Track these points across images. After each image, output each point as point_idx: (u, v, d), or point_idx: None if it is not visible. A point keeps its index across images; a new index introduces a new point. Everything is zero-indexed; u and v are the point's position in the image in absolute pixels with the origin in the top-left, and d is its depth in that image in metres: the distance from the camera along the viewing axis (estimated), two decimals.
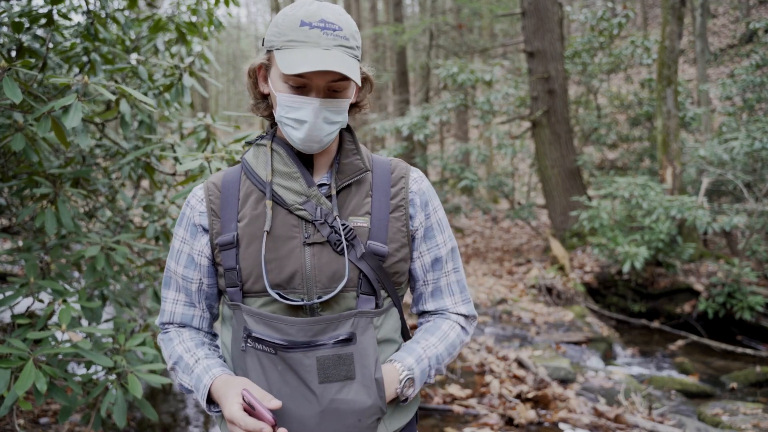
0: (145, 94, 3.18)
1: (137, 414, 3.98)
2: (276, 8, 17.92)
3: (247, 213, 1.25)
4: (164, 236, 3.36)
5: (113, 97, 2.13)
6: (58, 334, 2.43)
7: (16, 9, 2.89)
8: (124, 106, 2.70)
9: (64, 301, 2.44)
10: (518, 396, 4.32)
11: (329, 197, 1.24)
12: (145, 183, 6.08)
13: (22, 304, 2.84)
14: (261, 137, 1.32)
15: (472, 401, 4.25)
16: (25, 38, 2.79)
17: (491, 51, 15.22)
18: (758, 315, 6.21)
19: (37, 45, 2.82)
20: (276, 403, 1.13)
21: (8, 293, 2.51)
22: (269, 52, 1.21)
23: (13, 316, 2.60)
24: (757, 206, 6.58)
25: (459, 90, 9.98)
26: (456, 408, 4.11)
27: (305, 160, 1.27)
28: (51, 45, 3.02)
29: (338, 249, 1.20)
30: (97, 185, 3.28)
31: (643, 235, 6.78)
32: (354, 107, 1.31)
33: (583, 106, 11.31)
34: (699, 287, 6.71)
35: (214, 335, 1.43)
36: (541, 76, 8.96)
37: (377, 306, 1.25)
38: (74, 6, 3.10)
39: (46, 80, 2.49)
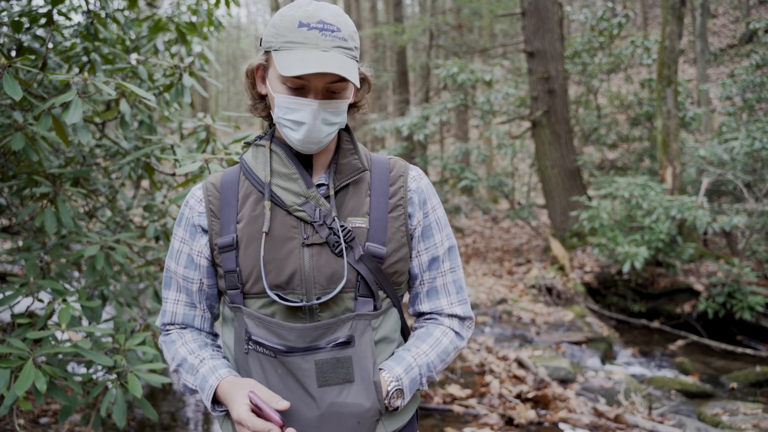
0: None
1: (137, 414, 3.98)
2: (276, 8, 17.91)
3: (246, 214, 1.24)
4: (164, 236, 3.36)
5: (114, 93, 2.12)
6: (58, 334, 2.43)
7: (16, 9, 2.89)
8: (124, 106, 2.70)
9: (64, 300, 2.44)
10: (518, 396, 4.32)
11: (327, 198, 1.24)
12: (145, 183, 6.08)
13: (22, 304, 2.84)
14: (260, 137, 1.32)
15: (472, 401, 4.25)
16: (24, 38, 2.79)
17: (491, 51, 15.22)
18: (758, 315, 6.21)
19: (37, 45, 2.82)
20: (284, 404, 1.14)
21: (8, 293, 2.51)
22: (267, 52, 1.20)
23: (13, 316, 2.60)
24: (757, 206, 6.58)
25: (459, 90, 9.98)
26: (456, 408, 4.11)
27: (304, 161, 1.27)
28: (51, 45, 3.02)
29: (337, 251, 1.20)
30: (97, 185, 3.28)
31: (643, 235, 6.78)
32: (352, 107, 1.30)
33: (583, 106, 11.31)
34: (699, 287, 6.71)
35: (215, 335, 1.43)
36: (541, 76, 8.96)
37: (375, 308, 1.24)
38: (74, 6, 3.10)
39: (47, 79, 2.49)
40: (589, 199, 8.17)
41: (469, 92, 10.44)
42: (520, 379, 4.64)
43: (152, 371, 2.48)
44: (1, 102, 2.39)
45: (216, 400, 1.26)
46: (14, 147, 2.32)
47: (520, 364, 4.91)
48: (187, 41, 3.55)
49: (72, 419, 3.64)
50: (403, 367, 1.25)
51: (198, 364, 1.28)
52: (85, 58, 2.99)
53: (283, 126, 1.21)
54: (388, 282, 1.26)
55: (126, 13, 3.31)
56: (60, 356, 2.50)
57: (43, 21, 2.83)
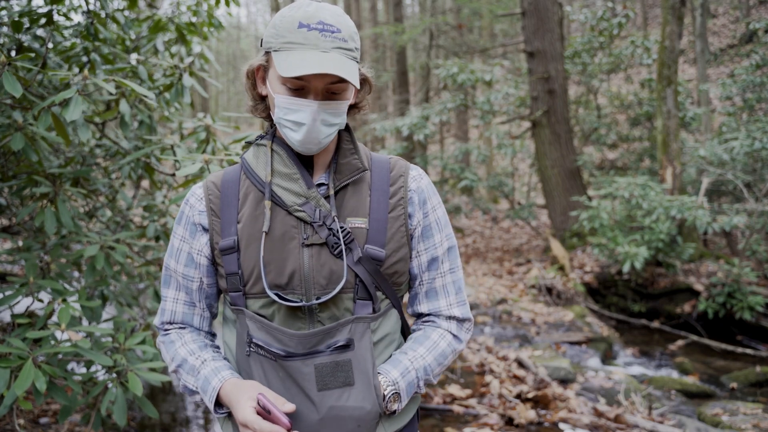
0: None
1: (137, 414, 3.98)
2: (276, 8, 17.91)
3: (247, 213, 1.24)
4: (164, 236, 3.36)
5: (114, 91, 2.12)
6: (58, 334, 2.43)
7: (16, 9, 2.89)
8: (124, 106, 2.71)
9: (64, 300, 2.44)
10: (518, 396, 4.32)
11: (327, 198, 1.24)
12: (145, 183, 6.07)
13: (22, 304, 2.84)
14: (261, 137, 1.32)
15: (472, 401, 4.25)
16: (24, 38, 2.79)
17: (491, 51, 15.22)
18: (758, 315, 6.21)
19: (37, 45, 2.82)
20: (290, 407, 1.14)
21: (8, 293, 2.51)
22: (267, 53, 1.20)
23: (13, 316, 2.60)
24: (757, 206, 6.58)
25: (459, 90, 9.98)
26: (456, 408, 4.11)
27: (305, 161, 1.27)
28: (51, 45, 3.02)
29: (336, 252, 1.20)
30: (97, 185, 3.28)
31: (643, 235, 6.78)
32: (353, 108, 1.30)
33: (583, 106, 11.31)
34: (699, 287, 6.71)
35: (213, 335, 1.43)
36: (541, 76, 8.96)
37: (374, 311, 1.24)
38: (74, 6, 3.10)
39: (47, 78, 2.49)
40: (589, 199, 8.17)
41: (469, 92, 10.44)
42: (520, 379, 4.64)
43: (152, 370, 2.48)
44: (1, 101, 2.39)
45: (218, 402, 1.25)
46: (14, 147, 2.32)
47: (520, 364, 4.91)
48: (186, 41, 3.55)
49: (72, 419, 3.64)
50: (400, 370, 1.25)
51: (199, 365, 1.27)
52: (85, 58, 2.99)
53: (283, 126, 1.20)
54: (387, 284, 1.25)
55: (126, 13, 3.31)
56: (60, 356, 2.50)
57: (43, 21, 2.83)
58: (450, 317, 1.34)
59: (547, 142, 9.09)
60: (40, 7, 2.79)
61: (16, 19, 2.68)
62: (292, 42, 1.14)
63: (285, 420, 1.10)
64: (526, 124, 11.03)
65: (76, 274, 3.65)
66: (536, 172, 10.29)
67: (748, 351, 5.71)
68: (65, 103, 2.08)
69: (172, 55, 3.65)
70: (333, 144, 1.29)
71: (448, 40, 15.42)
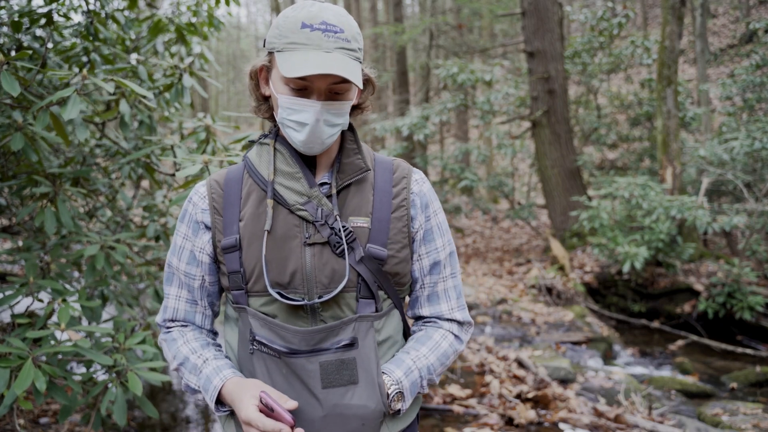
0: None
1: (137, 413, 3.98)
2: (276, 8, 17.90)
3: (249, 212, 1.25)
4: (164, 236, 3.36)
5: (112, 90, 2.12)
6: (58, 334, 2.43)
7: (16, 9, 2.89)
8: (123, 106, 2.71)
9: (64, 300, 2.44)
10: (518, 396, 4.32)
11: (330, 197, 1.24)
12: (145, 183, 6.07)
13: (22, 304, 2.84)
14: (264, 136, 1.32)
15: (472, 401, 4.25)
16: (24, 38, 2.79)
17: (491, 51, 15.22)
18: (758, 315, 6.21)
19: (36, 45, 2.82)
20: (292, 404, 1.14)
21: (8, 293, 2.51)
22: (270, 53, 1.21)
23: (13, 316, 2.60)
24: (757, 206, 6.58)
25: (459, 90, 9.98)
26: (456, 408, 4.11)
27: (308, 160, 1.27)
28: (50, 45, 3.02)
29: (338, 251, 1.20)
30: (97, 185, 3.28)
31: (643, 235, 6.78)
32: (356, 109, 1.30)
33: (583, 106, 11.31)
34: (699, 287, 6.71)
35: (215, 333, 1.43)
36: (541, 76, 8.96)
37: (377, 310, 1.24)
38: (74, 6, 3.10)
39: (46, 78, 2.49)
40: (589, 199, 8.17)
41: (469, 92, 10.44)
42: (520, 379, 4.64)
43: (152, 370, 2.48)
44: (0, 101, 2.39)
45: (220, 401, 1.26)
46: (14, 147, 2.32)
47: (520, 364, 4.91)
48: (186, 42, 3.55)
49: (72, 419, 3.64)
50: (403, 370, 1.25)
51: (201, 364, 1.28)
52: (84, 58, 2.99)
53: (286, 127, 1.21)
54: (389, 283, 1.25)
55: (126, 13, 3.31)
56: (60, 356, 2.50)
57: (42, 21, 2.83)
58: (451, 320, 1.36)
59: (547, 142, 9.09)
60: (40, 7, 2.79)
61: (16, 19, 2.68)
62: (295, 42, 1.14)
63: (288, 417, 1.10)
64: (526, 124, 11.02)
65: (76, 274, 3.65)
66: (536, 172, 10.29)
67: (748, 351, 5.71)
68: (63, 102, 2.08)
69: (172, 55, 3.65)
70: (336, 144, 1.29)
71: (448, 40, 15.42)
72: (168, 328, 1.37)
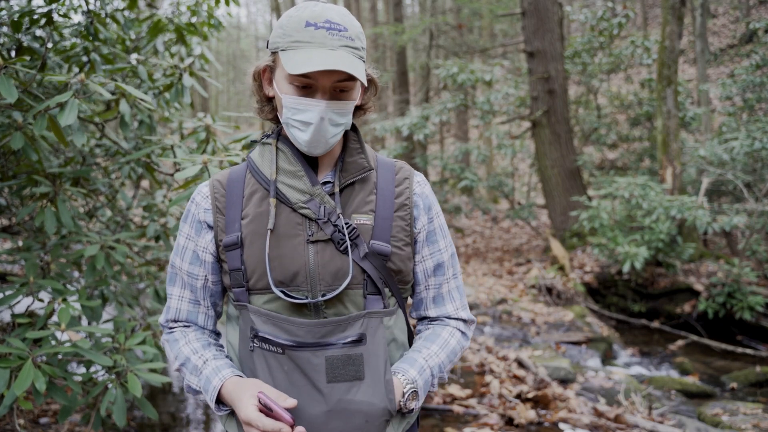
0: (145, 93, 3.18)
1: (137, 414, 3.98)
2: (276, 8, 17.91)
3: (251, 211, 1.25)
4: (164, 236, 3.36)
5: (110, 96, 2.12)
6: (58, 334, 2.43)
7: (16, 9, 2.88)
8: (123, 106, 2.71)
9: (64, 300, 2.44)
10: (518, 396, 4.32)
11: (332, 195, 1.24)
12: (145, 183, 6.07)
13: (22, 304, 2.84)
14: (267, 136, 1.33)
15: (472, 401, 4.25)
16: (24, 38, 2.79)
17: (491, 51, 15.22)
18: (758, 315, 6.21)
19: (36, 45, 2.82)
20: (291, 402, 1.14)
21: (8, 293, 2.51)
22: (274, 53, 1.21)
23: (13, 316, 2.60)
24: (757, 206, 6.58)
25: (459, 90, 9.98)
26: (456, 408, 4.11)
27: (310, 159, 1.28)
28: (50, 45, 3.02)
29: (341, 248, 1.20)
30: (97, 185, 3.28)
31: (643, 235, 6.78)
32: (358, 110, 1.31)
33: (583, 106, 11.31)
34: (699, 287, 6.71)
35: (218, 334, 1.43)
36: (541, 76, 8.96)
37: (385, 306, 1.25)
38: (74, 6, 3.10)
39: (46, 79, 2.49)
40: (589, 199, 8.17)
41: (469, 92, 10.44)
42: (520, 379, 4.64)
43: (152, 371, 2.48)
44: (0, 102, 2.39)
45: (220, 401, 1.26)
46: (14, 147, 2.32)
47: (520, 364, 4.91)
48: (186, 42, 3.55)
49: (72, 419, 3.64)
50: (417, 369, 1.26)
51: (201, 365, 1.28)
52: (85, 58, 2.99)
53: (290, 127, 1.21)
54: (393, 281, 1.26)
55: (126, 13, 3.31)
56: (60, 356, 2.50)
57: (42, 21, 2.83)
58: (457, 320, 1.38)
59: (547, 142, 9.09)
60: (40, 7, 2.79)
61: (16, 19, 2.68)
62: (299, 41, 1.15)
63: (287, 416, 1.10)
64: (526, 124, 11.02)
65: (76, 274, 3.65)
66: (536, 172, 10.29)
67: (748, 351, 5.71)
68: (61, 107, 2.08)
69: (172, 55, 3.65)
70: (339, 144, 1.30)
71: (448, 40, 15.42)
72: (171, 328, 1.38)
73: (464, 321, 1.39)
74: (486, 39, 16.41)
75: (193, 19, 3.57)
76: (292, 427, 1.11)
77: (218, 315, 1.42)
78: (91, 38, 2.97)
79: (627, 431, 3.79)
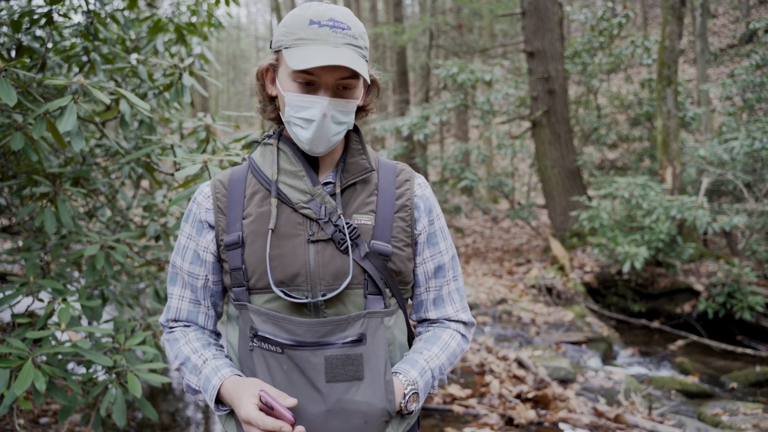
0: (145, 93, 3.18)
1: (137, 414, 3.98)
2: (276, 8, 17.92)
3: (253, 211, 1.25)
4: (164, 236, 3.35)
5: (108, 101, 2.12)
6: (58, 334, 2.43)
7: (16, 9, 2.88)
8: (123, 106, 2.71)
9: (64, 300, 2.44)
10: (518, 396, 4.32)
11: (333, 195, 1.25)
12: (145, 183, 6.07)
13: (22, 304, 2.84)
14: (268, 136, 1.33)
15: (472, 401, 4.25)
16: (24, 38, 2.79)
17: (491, 51, 15.22)
18: (758, 315, 6.21)
19: (36, 45, 2.82)
20: (292, 401, 1.14)
21: (8, 293, 2.51)
22: (277, 52, 1.22)
23: (13, 316, 2.60)
24: (757, 206, 6.58)
25: (459, 90, 9.98)
26: (456, 408, 4.11)
27: (311, 159, 1.28)
28: (50, 45, 3.02)
29: (342, 248, 1.21)
30: (97, 185, 3.28)
31: (643, 235, 6.78)
32: (360, 111, 1.31)
33: (583, 106, 11.31)
34: (699, 287, 6.71)
35: (218, 334, 1.44)
36: (541, 76, 8.96)
37: (386, 306, 1.25)
38: (74, 6, 3.10)
39: (45, 80, 2.49)
40: (589, 199, 8.17)
41: (469, 92, 10.44)
42: (520, 379, 4.64)
43: (152, 371, 2.48)
44: (0, 103, 2.38)
45: (219, 400, 1.26)
46: (14, 147, 2.31)
47: (520, 364, 4.91)
48: (186, 42, 3.55)
49: (72, 419, 3.64)
50: (418, 370, 1.26)
51: (201, 364, 1.28)
52: (85, 58, 2.99)
53: (293, 125, 1.21)
54: (393, 281, 1.26)
55: (126, 13, 3.31)
56: (60, 356, 2.50)
57: (42, 21, 2.83)
58: (457, 322, 1.38)
59: (547, 142, 9.09)
60: (40, 7, 2.79)
61: (16, 18, 2.68)
62: (303, 38, 1.15)
63: (288, 415, 1.10)
64: (526, 124, 11.03)
65: (76, 274, 3.65)
66: (536, 172, 10.29)
67: (748, 351, 5.71)
68: (60, 112, 2.07)
69: (172, 55, 3.65)
70: (340, 145, 1.31)
71: (448, 40, 15.42)
72: (171, 328, 1.38)
73: (464, 323, 1.39)
74: (486, 39, 16.41)
75: (193, 19, 3.57)
76: (293, 425, 1.11)
77: (218, 315, 1.42)
78: (91, 38, 2.97)
79: (627, 431, 3.79)
